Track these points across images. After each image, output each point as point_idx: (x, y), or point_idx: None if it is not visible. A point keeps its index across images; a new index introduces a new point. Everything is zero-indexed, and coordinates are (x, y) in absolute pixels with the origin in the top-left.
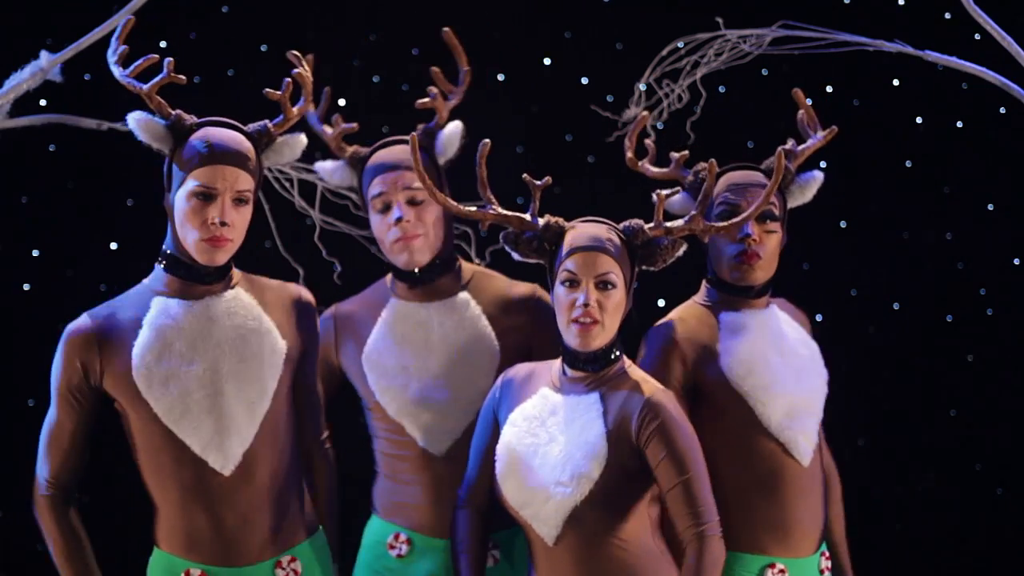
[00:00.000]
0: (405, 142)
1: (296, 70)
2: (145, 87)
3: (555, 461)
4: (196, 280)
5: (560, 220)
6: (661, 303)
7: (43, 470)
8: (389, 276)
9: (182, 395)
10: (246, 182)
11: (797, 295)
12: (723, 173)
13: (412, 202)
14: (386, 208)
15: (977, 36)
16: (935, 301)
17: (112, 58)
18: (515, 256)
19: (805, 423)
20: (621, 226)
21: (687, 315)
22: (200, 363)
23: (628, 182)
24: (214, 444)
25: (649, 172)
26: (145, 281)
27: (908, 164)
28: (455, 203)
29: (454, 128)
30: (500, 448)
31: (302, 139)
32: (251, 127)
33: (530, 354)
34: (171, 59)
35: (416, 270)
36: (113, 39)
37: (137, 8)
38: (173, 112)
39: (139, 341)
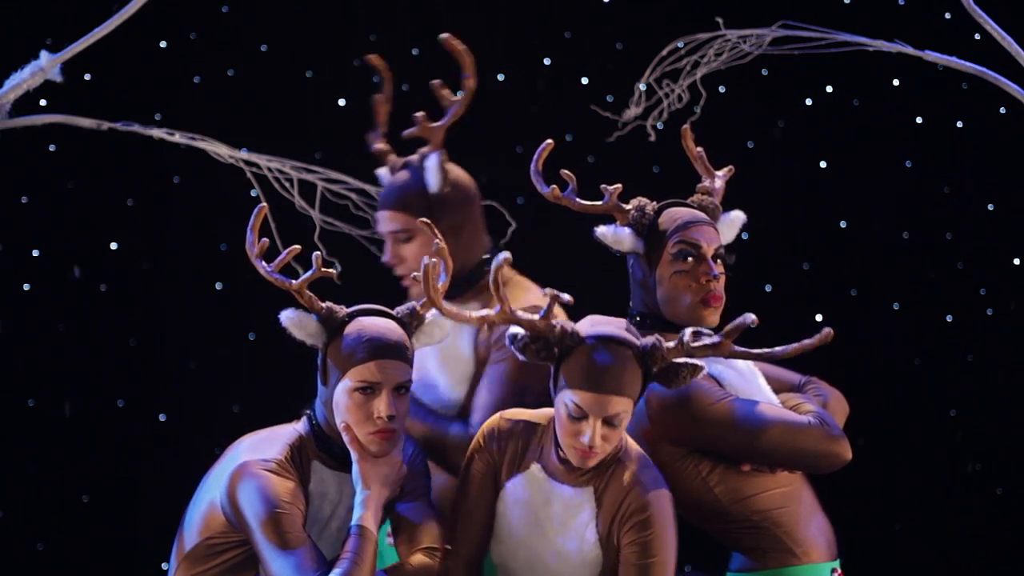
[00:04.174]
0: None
1: (437, 244)
2: (295, 283)
3: (549, 566)
4: (341, 460)
5: (576, 330)
6: None
7: None
8: None
9: None
10: (405, 372)
11: (797, 295)
12: (663, 209)
13: (397, 241)
14: None
15: (977, 36)
16: (935, 301)
17: (252, 251)
18: (519, 357)
19: None
20: (639, 344)
21: None
22: (314, 534)
23: (628, 183)
24: None
25: (576, 205)
26: (300, 432)
27: (908, 164)
28: (454, 308)
29: (434, 162)
30: (496, 527)
31: (448, 320)
32: (400, 311)
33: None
34: (319, 253)
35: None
36: (248, 232)
37: (137, 8)
38: (324, 305)
39: (310, 511)
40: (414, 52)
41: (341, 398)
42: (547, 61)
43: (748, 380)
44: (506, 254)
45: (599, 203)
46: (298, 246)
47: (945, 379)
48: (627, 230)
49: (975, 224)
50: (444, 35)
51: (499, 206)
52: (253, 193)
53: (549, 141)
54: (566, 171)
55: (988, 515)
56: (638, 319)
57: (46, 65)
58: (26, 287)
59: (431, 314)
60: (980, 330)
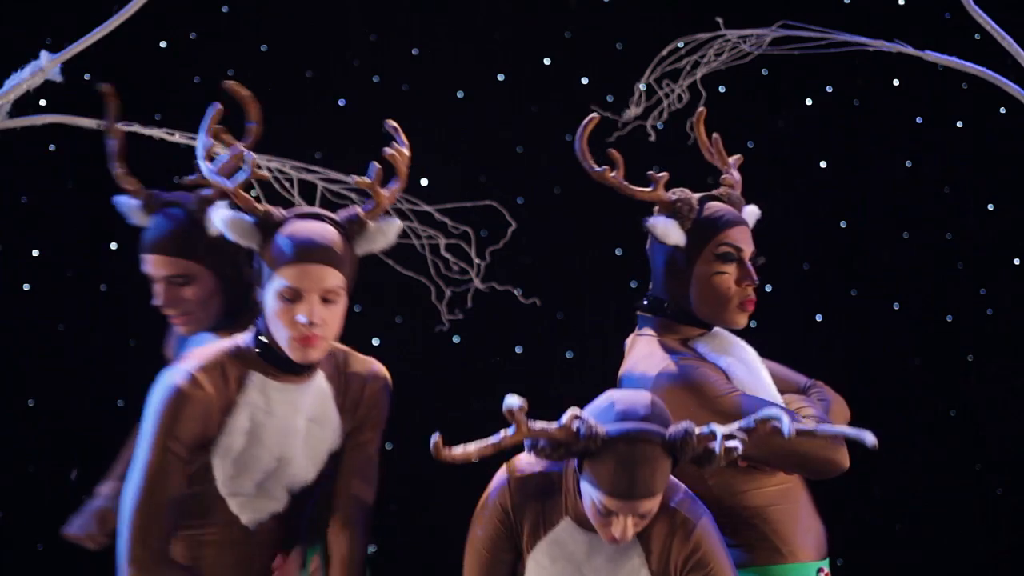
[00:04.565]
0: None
1: (388, 150)
2: (231, 185)
3: None
4: (288, 371)
5: (598, 432)
6: None
7: (140, 537)
8: None
9: (242, 473)
10: (334, 279)
11: (797, 295)
12: (703, 202)
13: (174, 285)
14: None
15: (977, 36)
16: (935, 301)
17: (200, 152)
18: (535, 456)
19: None
20: (668, 436)
21: (666, 355)
22: (273, 452)
23: (629, 182)
24: (253, 508)
25: (625, 188)
26: (239, 343)
27: (908, 164)
28: (471, 447)
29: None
30: None
31: (397, 224)
32: (342, 216)
33: None
34: (254, 156)
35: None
36: (201, 130)
37: (137, 8)
38: (261, 207)
39: (231, 422)
40: (414, 52)
41: (270, 301)
42: (547, 61)
43: (756, 377)
44: (520, 403)
45: (646, 189)
46: (245, 149)
47: (945, 379)
48: (673, 222)
49: (975, 224)
50: (228, 83)
51: (499, 206)
52: (253, 193)
53: (594, 115)
54: (613, 150)
55: (988, 515)
56: (647, 303)
57: (46, 65)
58: (26, 287)
59: (375, 223)
60: (980, 330)
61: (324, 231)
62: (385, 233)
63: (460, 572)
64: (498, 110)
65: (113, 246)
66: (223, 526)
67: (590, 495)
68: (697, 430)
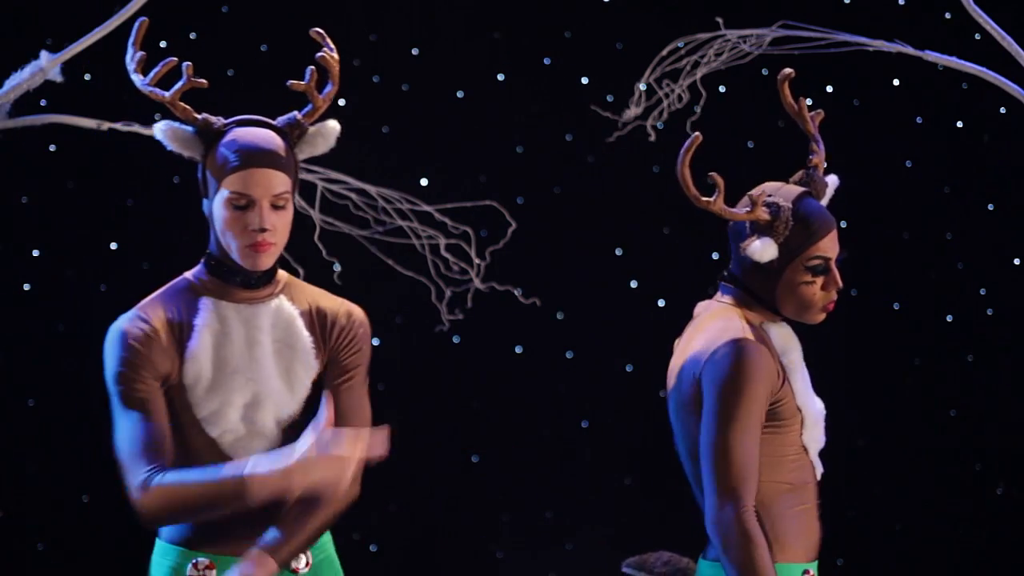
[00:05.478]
0: None
1: (320, 53)
2: (167, 95)
3: None
4: (242, 285)
5: None
6: (661, 303)
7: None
8: None
9: (224, 404)
10: (282, 183)
11: None
12: (796, 209)
13: None
14: None
15: (977, 36)
16: (935, 301)
17: (130, 65)
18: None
19: (821, 436)
20: None
21: (746, 327)
22: (243, 374)
23: (629, 182)
24: (243, 447)
25: (726, 213)
26: (188, 276)
27: (908, 164)
28: None
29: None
30: None
31: (335, 126)
32: (280, 120)
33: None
34: (190, 63)
35: None
36: (129, 45)
37: (137, 8)
38: (200, 116)
39: (192, 345)
40: (414, 52)
41: (218, 210)
42: (547, 61)
43: (804, 382)
44: None
45: (743, 212)
46: (175, 59)
47: (945, 379)
48: (769, 241)
49: (975, 224)
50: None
51: (499, 206)
52: None
53: (697, 134)
54: (714, 173)
55: (988, 515)
56: (729, 276)
57: (46, 65)
58: (26, 287)
59: (314, 126)
60: (980, 330)
61: (268, 136)
62: (325, 136)
63: (459, 572)
64: (498, 110)
65: (113, 246)
66: None
67: None
68: None
